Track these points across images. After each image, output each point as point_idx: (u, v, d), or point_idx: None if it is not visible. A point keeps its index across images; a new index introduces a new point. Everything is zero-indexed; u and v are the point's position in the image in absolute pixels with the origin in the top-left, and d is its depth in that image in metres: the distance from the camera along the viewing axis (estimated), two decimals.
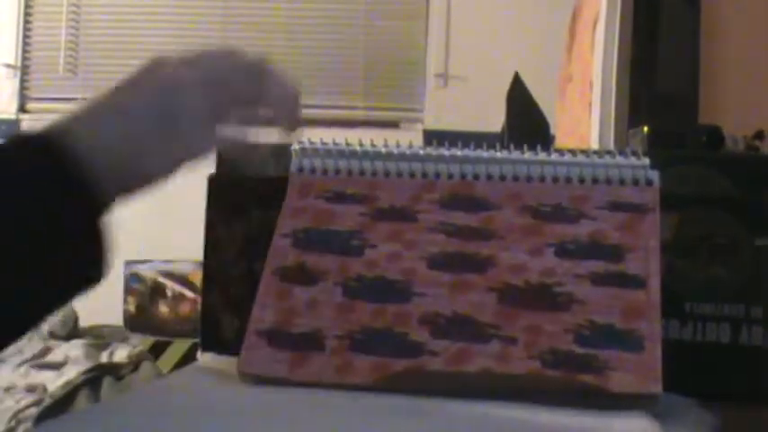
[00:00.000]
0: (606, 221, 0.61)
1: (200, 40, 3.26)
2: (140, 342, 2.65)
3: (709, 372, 0.64)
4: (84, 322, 2.67)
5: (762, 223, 0.64)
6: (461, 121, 3.06)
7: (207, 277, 0.71)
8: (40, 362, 2.41)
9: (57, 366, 2.39)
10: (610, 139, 1.41)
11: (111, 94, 0.54)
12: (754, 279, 0.64)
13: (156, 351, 2.66)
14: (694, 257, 0.65)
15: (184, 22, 3.38)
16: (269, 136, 0.59)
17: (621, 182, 0.62)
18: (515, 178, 0.63)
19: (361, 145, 0.66)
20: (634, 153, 0.63)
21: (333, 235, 0.63)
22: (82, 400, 2.27)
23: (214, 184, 0.71)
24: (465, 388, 0.55)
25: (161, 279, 2.81)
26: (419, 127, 3.30)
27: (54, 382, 2.30)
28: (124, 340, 2.66)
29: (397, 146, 0.66)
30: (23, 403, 2.21)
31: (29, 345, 2.44)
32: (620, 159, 0.63)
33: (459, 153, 0.65)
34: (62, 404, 2.23)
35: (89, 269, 0.52)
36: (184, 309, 2.79)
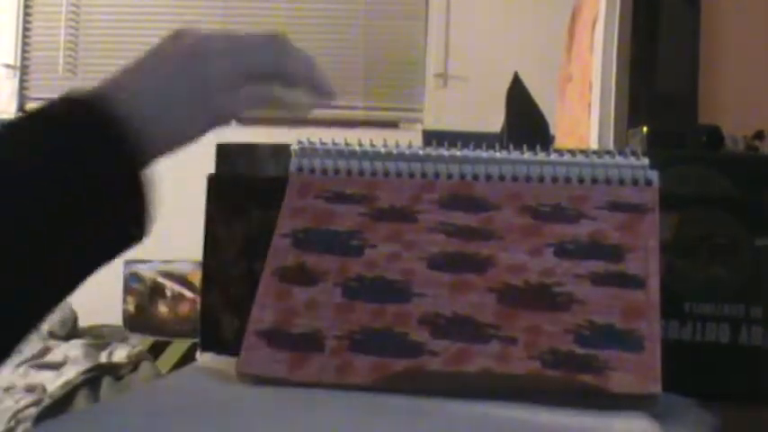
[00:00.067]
0: (606, 221, 0.61)
1: None
2: (139, 342, 2.65)
3: (708, 372, 0.64)
4: (83, 322, 2.67)
5: (762, 223, 0.64)
6: (461, 122, 3.06)
7: (206, 277, 0.71)
8: (39, 362, 2.41)
9: (56, 366, 2.39)
10: (609, 139, 1.41)
11: (141, 62, 0.57)
12: (753, 279, 0.64)
13: (156, 351, 2.66)
14: (694, 257, 0.65)
15: (184, 22, 3.37)
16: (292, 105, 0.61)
17: (621, 182, 0.62)
18: (515, 178, 0.63)
19: (360, 145, 0.66)
20: (633, 153, 0.63)
21: (332, 235, 0.63)
22: (81, 400, 2.27)
23: (214, 183, 0.71)
24: (465, 388, 0.55)
25: (160, 279, 2.81)
26: (419, 127, 3.30)
27: (53, 382, 2.30)
28: (123, 340, 2.66)
29: (397, 146, 0.66)
30: (23, 403, 2.21)
31: (28, 345, 2.44)
32: (619, 159, 0.63)
33: (458, 153, 0.65)
34: (61, 404, 2.23)
35: (132, 225, 0.55)
36: (184, 309, 2.79)
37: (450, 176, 0.64)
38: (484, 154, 0.65)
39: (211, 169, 0.73)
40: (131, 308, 2.81)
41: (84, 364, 2.37)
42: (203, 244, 0.71)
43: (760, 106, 1.36)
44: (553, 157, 0.64)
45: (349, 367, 0.57)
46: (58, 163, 0.52)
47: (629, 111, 1.39)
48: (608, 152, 0.64)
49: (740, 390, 0.64)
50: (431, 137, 0.70)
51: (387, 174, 0.65)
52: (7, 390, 2.27)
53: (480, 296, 0.58)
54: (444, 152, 0.65)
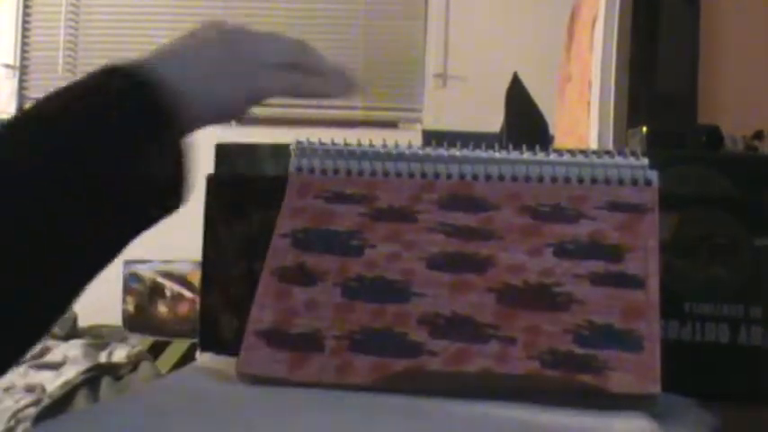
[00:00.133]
0: (605, 221, 0.61)
1: None
2: (139, 342, 2.65)
3: (708, 372, 0.64)
4: (82, 322, 2.67)
5: (761, 223, 0.64)
6: (460, 122, 3.06)
7: (206, 277, 0.71)
8: (38, 362, 2.41)
9: (55, 366, 2.39)
10: (609, 138, 1.41)
11: (182, 39, 0.60)
12: (753, 279, 0.64)
13: (155, 351, 2.66)
14: (694, 257, 0.65)
15: (184, 22, 3.38)
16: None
17: (620, 182, 0.62)
18: (514, 178, 0.63)
19: (359, 145, 0.66)
20: (633, 153, 0.63)
21: (332, 235, 0.63)
22: (80, 400, 2.27)
23: (213, 183, 0.71)
24: (464, 388, 0.55)
25: (160, 279, 2.81)
26: (418, 127, 3.30)
27: (53, 382, 2.30)
28: (123, 340, 2.66)
29: (397, 146, 0.66)
30: (22, 403, 2.21)
31: None
32: (618, 159, 0.63)
33: (458, 153, 0.65)
34: (61, 404, 2.23)
35: (170, 193, 0.56)
36: (183, 309, 2.79)
37: (449, 176, 0.64)
38: (483, 154, 0.65)
39: (211, 169, 0.73)
40: (131, 308, 2.82)
41: (84, 364, 2.37)
42: (203, 244, 0.71)
43: (759, 106, 1.36)
44: (552, 157, 0.64)
45: (349, 367, 0.57)
46: (98, 128, 0.53)
47: (628, 111, 1.39)
48: (607, 152, 0.64)
49: (740, 390, 0.64)
50: (430, 137, 0.70)
51: (386, 174, 0.65)
52: (7, 390, 2.26)
53: (480, 296, 0.58)
54: (444, 152, 0.65)
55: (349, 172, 0.65)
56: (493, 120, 1.23)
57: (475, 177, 0.64)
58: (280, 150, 0.68)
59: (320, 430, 0.49)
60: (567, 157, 0.63)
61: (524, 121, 1.02)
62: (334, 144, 0.66)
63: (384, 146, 0.66)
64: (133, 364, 2.46)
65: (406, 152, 0.65)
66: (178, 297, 2.81)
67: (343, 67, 0.65)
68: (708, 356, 0.64)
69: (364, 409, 0.53)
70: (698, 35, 1.28)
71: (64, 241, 0.52)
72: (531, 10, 3.22)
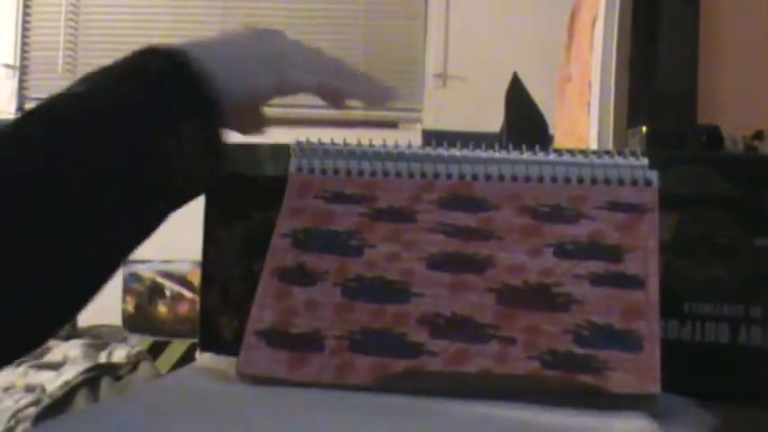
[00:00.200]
0: (605, 222, 0.61)
1: None
2: (139, 342, 2.65)
3: (708, 372, 0.64)
4: (82, 322, 2.66)
5: (761, 223, 0.64)
6: (460, 121, 3.06)
7: (206, 277, 0.71)
8: (38, 362, 2.41)
9: (55, 366, 2.39)
10: (608, 138, 1.41)
11: (215, 35, 0.63)
12: (753, 279, 0.64)
13: (155, 351, 2.66)
14: (694, 257, 0.65)
15: (184, 22, 3.38)
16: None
17: (620, 182, 0.62)
18: (514, 178, 0.63)
19: (359, 145, 0.66)
20: (633, 153, 0.63)
21: (332, 235, 0.63)
22: (80, 400, 2.27)
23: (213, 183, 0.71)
24: (464, 388, 0.55)
25: (160, 279, 2.81)
26: (418, 127, 3.30)
27: (53, 382, 2.30)
28: (123, 340, 2.66)
29: (396, 146, 0.66)
30: (22, 403, 2.21)
31: None
32: (618, 159, 0.63)
33: (458, 153, 0.65)
34: (61, 404, 2.23)
35: (208, 175, 0.59)
36: (183, 309, 2.79)
37: (449, 176, 0.64)
38: (483, 154, 0.64)
39: None
40: (130, 308, 2.81)
41: (84, 364, 2.37)
42: (203, 244, 0.71)
43: (759, 106, 1.36)
44: (552, 157, 0.64)
45: (349, 367, 0.57)
46: (139, 107, 0.55)
47: (628, 111, 1.39)
48: (607, 152, 0.64)
49: (740, 390, 0.64)
50: (430, 137, 0.70)
51: (386, 174, 0.65)
52: (7, 390, 2.26)
53: (479, 296, 0.58)
54: (444, 152, 0.65)
55: (349, 172, 0.65)
56: (493, 120, 1.24)
57: (475, 177, 0.64)
58: (280, 150, 0.68)
59: (320, 430, 0.49)
60: (566, 157, 0.63)
61: (524, 121, 1.02)
62: (334, 144, 0.66)
63: (384, 146, 0.66)
64: (133, 364, 2.45)
65: (406, 152, 0.65)
66: (178, 297, 2.81)
67: (376, 78, 0.68)
68: (708, 356, 0.64)
69: (364, 409, 0.53)
70: (698, 35, 1.28)
71: (115, 215, 0.54)
72: (531, 10, 3.22)
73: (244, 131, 0.67)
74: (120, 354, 2.48)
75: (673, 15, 1.29)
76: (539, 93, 1.09)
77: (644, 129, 1.04)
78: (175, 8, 3.46)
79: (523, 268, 0.59)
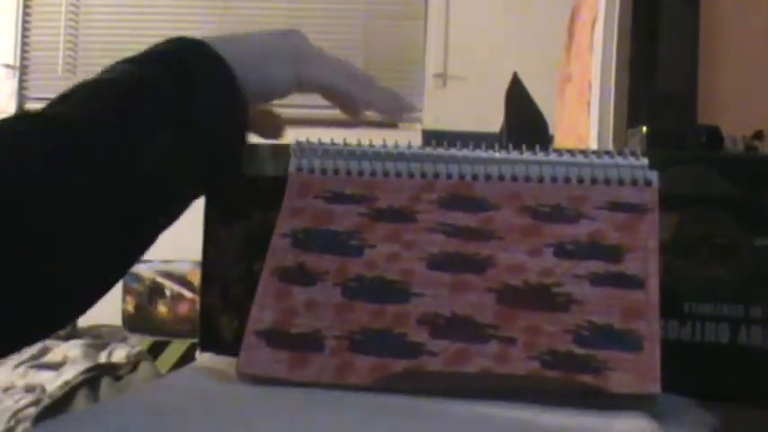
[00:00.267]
0: (605, 222, 0.61)
1: None
2: (139, 342, 2.65)
3: (708, 372, 0.64)
4: (82, 322, 2.67)
5: (761, 223, 0.64)
6: (460, 121, 3.06)
7: (206, 277, 0.71)
8: (38, 362, 2.41)
9: (55, 366, 2.39)
10: (608, 138, 1.41)
11: (233, 33, 0.64)
12: (753, 279, 0.64)
13: (155, 351, 2.66)
14: (694, 257, 0.65)
15: (184, 22, 3.38)
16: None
17: (620, 182, 0.62)
18: (514, 178, 0.63)
19: (359, 145, 0.66)
20: (633, 153, 0.63)
21: (332, 235, 0.63)
22: (80, 400, 2.27)
23: None
24: (464, 388, 0.55)
25: (159, 279, 2.81)
26: (418, 127, 3.30)
27: (53, 382, 2.30)
28: (123, 340, 2.66)
29: (396, 146, 0.66)
30: (22, 403, 2.21)
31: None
32: (618, 159, 0.63)
33: (458, 153, 0.65)
34: (61, 404, 2.23)
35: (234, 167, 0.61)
36: (183, 309, 2.79)
37: (449, 176, 0.64)
38: (483, 154, 0.64)
39: None
40: (130, 308, 2.81)
41: (84, 365, 2.37)
42: (203, 244, 0.71)
43: (759, 106, 1.36)
44: (552, 157, 0.64)
45: (349, 367, 0.57)
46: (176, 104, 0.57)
47: (628, 111, 1.39)
48: (607, 152, 0.64)
49: (740, 390, 0.64)
50: (430, 137, 0.70)
51: (386, 174, 0.65)
52: (6, 390, 2.26)
53: (479, 296, 0.58)
54: (444, 152, 0.65)
55: (349, 172, 0.65)
56: (493, 120, 1.23)
57: (475, 177, 0.64)
58: (280, 150, 0.68)
59: (320, 430, 0.49)
60: (566, 157, 0.63)
61: (524, 121, 1.02)
62: (334, 144, 0.66)
63: (384, 146, 0.66)
64: (133, 364, 2.45)
65: (406, 152, 0.65)
66: (178, 297, 2.81)
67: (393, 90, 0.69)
68: (708, 356, 0.64)
69: (364, 409, 0.53)
70: (698, 35, 1.28)
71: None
72: (531, 10, 3.22)
73: (263, 134, 0.68)
74: (120, 354, 2.48)
75: (673, 15, 1.29)
76: (539, 93, 1.09)
77: (644, 129, 1.04)
78: (175, 8, 3.47)
79: (523, 268, 0.59)
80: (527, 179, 0.63)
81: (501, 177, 0.63)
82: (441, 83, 3.39)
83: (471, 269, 0.60)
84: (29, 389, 2.28)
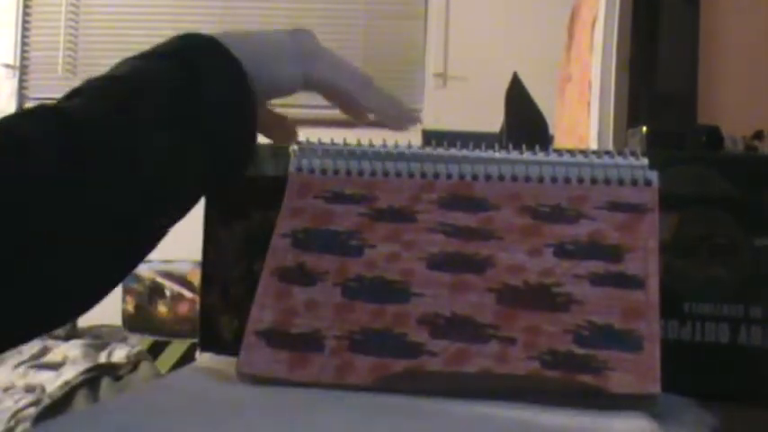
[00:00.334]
0: (605, 222, 0.61)
1: None
2: (139, 342, 2.65)
3: (708, 372, 0.64)
4: (82, 322, 2.67)
5: (761, 223, 0.64)
6: (460, 121, 3.05)
7: (206, 277, 0.71)
8: (38, 362, 2.41)
9: (55, 366, 2.39)
10: (609, 138, 1.41)
11: (243, 30, 0.64)
12: (753, 279, 0.64)
13: (155, 351, 2.66)
14: (694, 257, 0.65)
15: (184, 22, 3.38)
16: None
17: (620, 182, 0.62)
18: (514, 178, 0.63)
19: (359, 145, 0.66)
20: (633, 153, 0.63)
21: (332, 235, 0.63)
22: (80, 400, 2.27)
23: None
24: (464, 388, 0.55)
25: (159, 279, 2.81)
26: (418, 127, 3.30)
27: (53, 382, 2.30)
28: (123, 340, 2.66)
29: (396, 146, 0.66)
30: (22, 403, 2.21)
31: (27, 345, 2.44)
32: (618, 159, 0.63)
33: (458, 153, 0.65)
34: (60, 404, 2.23)
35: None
36: (183, 309, 2.79)
37: (449, 176, 0.64)
38: (483, 154, 0.64)
39: None
40: (130, 308, 2.81)
41: (84, 365, 2.37)
42: (203, 244, 0.71)
43: (760, 106, 1.36)
44: (552, 157, 0.64)
45: (349, 367, 0.57)
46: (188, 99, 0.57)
47: (628, 111, 1.39)
48: (607, 152, 0.64)
49: (740, 390, 0.64)
50: (430, 137, 0.70)
51: (386, 174, 0.65)
52: (6, 390, 2.26)
53: (479, 296, 0.58)
54: (444, 152, 0.65)
55: (349, 172, 0.65)
56: (493, 120, 1.23)
57: (475, 177, 0.64)
58: (280, 150, 0.68)
59: (320, 430, 0.49)
60: (566, 157, 0.63)
61: (524, 121, 1.02)
62: (334, 144, 0.66)
63: (384, 146, 0.66)
64: (133, 364, 2.46)
65: (406, 152, 0.65)
66: (178, 297, 2.81)
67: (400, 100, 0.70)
68: (708, 356, 0.64)
69: (364, 409, 0.53)
70: (698, 35, 1.28)
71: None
72: (531, 10, 3.22)
73: (274, 138, 0.68)
74: (120, 354, 2.48)
75: (673, 15, 1.29)
76: (539, 93, 1.08)
77: (644, 129, 1.04)
78: (175, 8, 3.47)
79: (523, 268, 0.59)
80: (527, 179, 0.63)
81: (501, 177, 0.63)
82: (441, 83, 3.39)
83: (471, 269, 0.60)
84: (29, 389, 2.28)
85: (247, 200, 0.69)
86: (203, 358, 0.67)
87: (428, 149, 0.65)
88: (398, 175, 0.65)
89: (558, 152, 0.64)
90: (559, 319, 0.57)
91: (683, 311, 0.64)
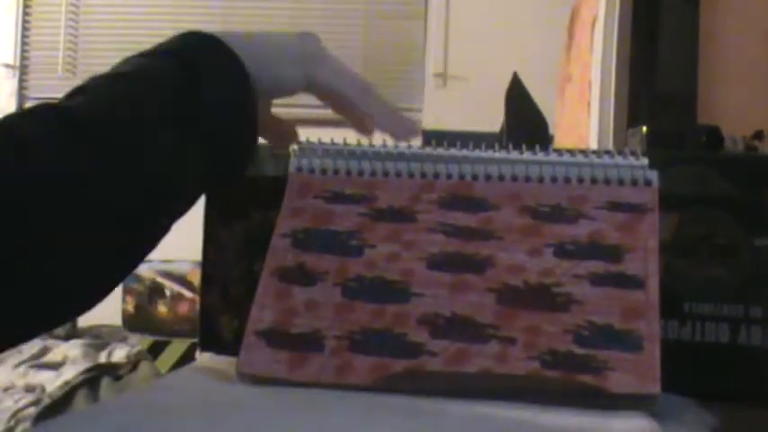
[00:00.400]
0: (605, 222, 0.61)
1: None
2: (139, 342, 2.65)
3: (708, 372, 0.64)
4: (82, 322, 2.67)
5: (761, 223, 0.64)
6: (460, 121, 3.06)
7: (206, 277, 0.71)
8: (38, 362, 2.41)
9: (55, 366, 2.39)
10: (609, 138, 1.41)
11: (247, 31, 0.64)
12: (753, 279, 0.64)
13: (155, 351, 2.66)
14: (694, 257, 0.65)
15: (184, 22, 3.38)
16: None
17: (620, 182, 0.62)
18: (514, 178, 0.63)
19: (359, 145, 0.66)
20: (633, 153, 0.63)
21: (332, 235, 0.63)
22: (80, 399, 2.27)
23: None
24: (464, 388, 0.55)
25: (159, 279, 2.81)
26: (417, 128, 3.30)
27: (53, 382, 2.30)
28: (123, 340, 2.66)
29: (396, 146, 0.66)
30: (22, 403, 2.21)
31: (27, 345, 2.44)
32: (618, 159, 0.63)
33: (458, 153, 0.65)
34: (60, 404, 2.23)
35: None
36: (183, 308, 2.79)
37: (449, 176, 0.64)
38: (483, 154, 0.64)
39: None
40: (130, 308, 2.81)
41: (84, 364, 2.37)
42: (203, 244, 0.71)
43: (760, 106, 1.36)
44: (552, 157, 0.64)
45: (348, 367, 0.57)
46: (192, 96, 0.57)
47: (628, 111, 1.39)
48: (607, 152, 0.64)
49: (740, 390, 0.64)
50: (430, 137, 0.70)
51: (386, 174, 0.65)
52: (6, 390, 2.27)
53: (479, 296, 0.58)
54: (444, 152, 0.65)
55: (349, 172, 0.65)
56: (493, 120, 1.23)
57: (475, 177, 0.64)
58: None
59: (320, 430, 0.49)
60: (566, 157, 0.63)
61: (524, 120, 1.02)
62: (334, 144, 0.66)
63: (384, 146, 0.66)
64: (133, 363, 2.46)
65: (406, 152, 0.65)
66: (178, 297, 2.81)
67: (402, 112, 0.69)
68: (708, 356, 0.64)
69: (364, 409, 0.53)
70: (698, 35, 1.28)
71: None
72: (531, 10, 3.22)
73: (274, 143, 0.68)
74: (120, 354, 2.48)
75: (673, 15, 1.29)
76: (539, 93, 1.09)
77: (644, 129, 1.04)
78: (175, 8, 3.47)
79: (523, 268, 0.59)
80: (527, 179, 0.63)
81: (501, 177, 0.63)
82: (441, 83, 3.39)
83: (471, 269, 0.60)
84: (29, 389, 2.28)
85: (247, 200, 0.69)
86: (203, 358, 0.67)
87: (428, 149, 0.65)
88: (398, 175, 0.65)
89: (558, 152, 0.64)
90: (559, 319, 0.57)
91: (683, 311, 0.64)
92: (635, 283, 0.57)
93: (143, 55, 0.58)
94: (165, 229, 0.57)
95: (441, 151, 0.65)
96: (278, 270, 0.62)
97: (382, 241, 0.62)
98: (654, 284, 0.57)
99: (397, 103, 3.37)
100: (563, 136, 1.70)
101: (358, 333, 0.58)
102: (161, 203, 0.56)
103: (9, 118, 0.53)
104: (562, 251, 0.60)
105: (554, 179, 0.63)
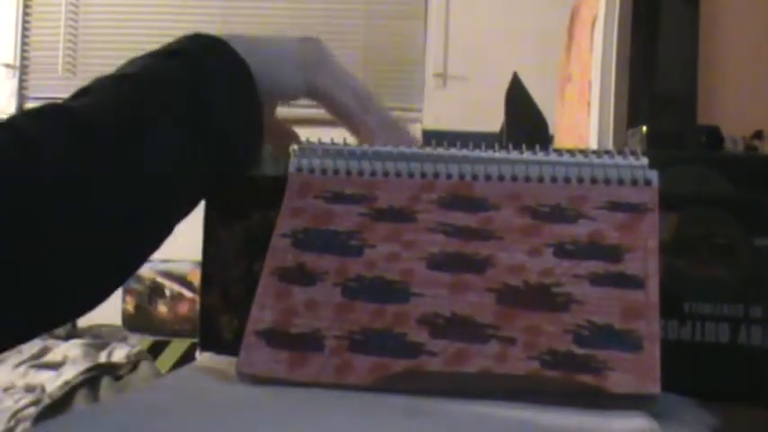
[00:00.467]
0: (605, 222, 0.61)
1: None
2: (139, 342, 2.65)
3: (708, 372, 0.64)
4: (82, 322, 2.67)
5: (762, 223, 0.64)
6: (460, 121, 3.06)
7: (206, 277, 0.71)
8: (38, 362, 2.42)
9: (55, 366, 2.39)
10: (608, 138, 1.41)
11: (251, 34, 0.64)
12: (753, 279, 0.64)
13: (155, 351, 2.66)
14: (694, 257, 0.65)
15: (184, 22, 3.38)
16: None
17: (620, 182, 0.62)
18: (514, 178, 0.63)
19: (359, 145, 0.66)
20: (633, 153, 0.63)
21: (332, 235, 0.63)
22: (80, 399, 2.27)
23: None
24: (464, 388, 0.55)
25: (159, 279, 2.81)
26: (418, 127, 3.30)
27: (53, 382, 2.30)
28: (123, 340, 2.66)
29: (396, 146, 0.66)
30: (22, 403, 2.21)
31: (27, 344, 2.44)
32: (618, 159, 0.63)
33: (458, 153, 0.65)
34: (60, 404, 2.23)
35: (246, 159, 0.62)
36: (183, 308, 2.79)
37: (449, 176, 0.64)
38: (483, 154, 0.64)
39: None
40: (130, 307, 2.82)
41: (84, 364, 2.37)
42: (203, 244, 0.71)
43: (760, 106, 1.36)
44: (552, 156, 0.64)
45: (348, 367, 0.57)
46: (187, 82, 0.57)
47: (628, 111, 1.39)
48: (607, 152, 0.64)
49: (740, 390, 0.64)
50: (430, 136, 0.70)
51: (386, 174, 0.65)
52: (7, 390, 2.27)
53: (479, 296, 0.58)
54: (444, 152, 0.65)
55: (349, 172, 0.65)
56: (493, 120, 1.24)
57: (475, 177, 0.64)
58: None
59: (320, 430, 0.49)
60: (566, 157, 0.63)
61: (524, 120, 1.02)
62: (334, 144, 0.66)
63: (384, 146, 0.66)
64: (133, 363, 2.46)
65: (406, 152, 0.65)
66: (178, 297, 2.81)
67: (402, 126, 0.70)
68: (708, 356, 0.64)
69: (364, 409, 0.53)
70: (698, 35, 1.28)
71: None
72: (531, 10, 3.23)
73: (275, 148, 0.68)
74: (120, 354, 2.48)
75: (673, 15, 1.29)
76: (539, 93, 1.09)
77: (644, 129, 1.04)
78: (175, 8, 3.47)
79: (523, 268, 0.59)
80: (527, 179, 0.63)
81: (501, 177, 0.63)
82: (441, 83, 3.39)
83: (471, 269, 0.60)
84: (29, 389, 2.28)
85: (247, 200, 0.69)
86: (203, 358, 0.67)
87: (428, 149, 0.65)
88: (398, 175, 0.65)
89: (558, 152, 0.64)
90: (559, 319, 0.57)
91: (683, 311, 0.64)
92: (635, 283, 0.57)
93: (149, 56, 0.58)
94: (168, 230, 0.57)
95: (441, 151, 0.65)
96: (278, 270, 0.62)
97: (382, 241, 0.62)
98: (654, 284, 0.57)
99: (397, 104, 3.37)
100: (563, 136, 1.70)
101: (358, 333, 0.58)
102: (165, 204, 0.56)
103: (15, 118, 0.53)
104: (562, 251, 0.60)
105: (554, 179, 0.63)
